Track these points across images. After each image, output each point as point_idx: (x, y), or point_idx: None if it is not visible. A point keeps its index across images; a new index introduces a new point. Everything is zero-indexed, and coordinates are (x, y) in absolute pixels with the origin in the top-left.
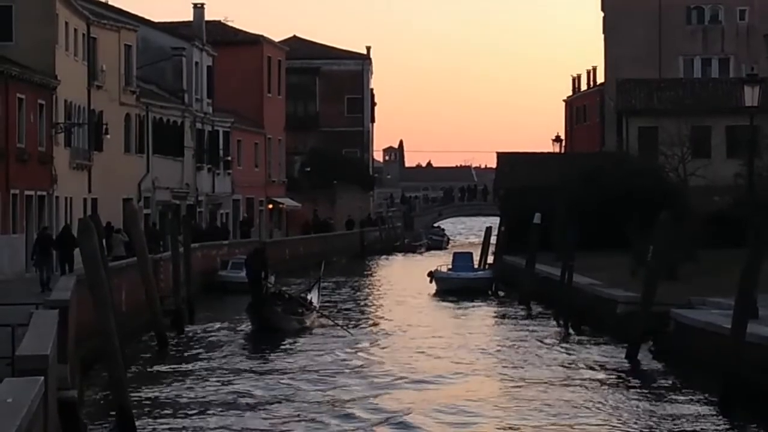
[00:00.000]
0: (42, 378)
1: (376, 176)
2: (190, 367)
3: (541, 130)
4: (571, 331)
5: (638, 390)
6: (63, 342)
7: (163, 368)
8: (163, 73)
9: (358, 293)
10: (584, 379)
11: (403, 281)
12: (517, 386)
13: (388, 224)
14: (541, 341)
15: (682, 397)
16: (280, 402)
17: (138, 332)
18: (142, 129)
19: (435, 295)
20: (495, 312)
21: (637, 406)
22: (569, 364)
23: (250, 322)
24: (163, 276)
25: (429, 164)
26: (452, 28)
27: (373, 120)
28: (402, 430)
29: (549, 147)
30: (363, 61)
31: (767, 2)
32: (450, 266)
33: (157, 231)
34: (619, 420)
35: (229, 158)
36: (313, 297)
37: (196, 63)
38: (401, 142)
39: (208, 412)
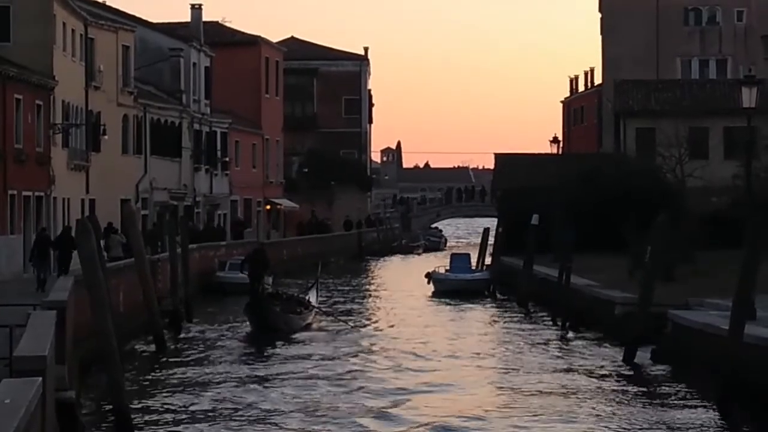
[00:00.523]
0: (40, 379)
1: (374, 177)
2: (187, 367)
3: (538, 131)
4: (568, 332)
5: (636, 391)
6: (61, 343)
7: (161, 369)
8: (160, 74)
9: (356, 294)
10: (582, 381)
11: (400, 282)
12: (515, 387)
13: (386, 225)
14: (539, 342)
15: (679, 398)
16: (277, 402)
17: (135, 333)
18: (139, 130)
19: (433, 296)
20: (492, 313)
21: (635, 408)
22: (567, 365)
23: (248, 321)
24: (161, 277)
25: (427, 165)
26: (450, 29)
27: (370, 121)
28: (399, 430)
29: (546, 148)
30: (361, 62)
31: (765, 3)
32: (448, 267)
33: (155, 232)
34: (617, 421)
35: (227, 159)
36: (312, 297)
37: (194, 64)
38: (399, 143)
39: (206, 412)
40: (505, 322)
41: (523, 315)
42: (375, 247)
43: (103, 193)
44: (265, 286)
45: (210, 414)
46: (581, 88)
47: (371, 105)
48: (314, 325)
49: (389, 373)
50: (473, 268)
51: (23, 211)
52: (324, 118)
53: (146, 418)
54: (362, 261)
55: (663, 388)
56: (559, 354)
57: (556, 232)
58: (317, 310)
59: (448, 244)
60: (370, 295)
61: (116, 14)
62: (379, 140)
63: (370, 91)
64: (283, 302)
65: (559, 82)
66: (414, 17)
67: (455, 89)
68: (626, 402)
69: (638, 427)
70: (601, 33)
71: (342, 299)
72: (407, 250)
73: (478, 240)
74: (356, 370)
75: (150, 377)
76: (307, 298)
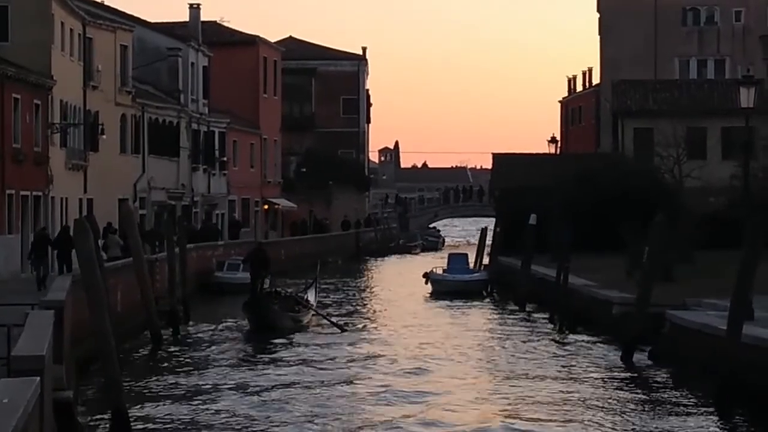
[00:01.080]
0: (38, 378)
1: (372, 177)
2: (185, 367)
3: (536, 131)
4: (566, 332)
5: (633, 391)
6: (59, 342)
7: (159, 368)
8: (158, 74)
9: (354, 294)
10: (579, 381)
11: (398, 282)
12: (512, 387)
13: (383, 225)
14: (537, 342)
15: (677, 399)
16: (274, 402)
17: (133, 333)
18: (137, 129)
19: (430, 296)
20: (490, 313)
21: (633, 408)
22: (564, 365)
23: (247, 320)
24: (159, 277)
25: (425, 165)
26: (448, 29)
27: (368, 121)
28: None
29: (544, 148)
30: (359, 61)
31: (763, 4)
32: (445, 268)
33: (153, 231)
34: (614, 421)
35: (225, 159)
36: (310, 296)
37: (192, 63)
38: (397, 143)
39: (203, 412)
40: (502, 322)
41: (520, 315)
42: (373, 247)
43: (100, 193)
44: (263, 286)
45: (208, 414)
46: (579, 88)
47: (369, 105)
48: (312, 324)
49: (386, 373)
50: (471, 268)
51: (21, 211)
52: (322, 117)
53: (144, 417)
54: (360, 261)
55: (660, 388)
56: (557, 354)
57: (554, 232)
58: (314, 311)
59: (445, 244)
60: (367, 296)
61: (114, 14)
62: (376, 140)
63: (368, 90)
64: (282, 301)
65: (557, 82)
66: (412, 17)
67: (453, 89)
68: (623, 402)
69: (635, 428)
70: (599, 33)
71: (339, 300)
72: (405, 250)
73: (476, 240)
74: (353, 372)
75: (147, 377)
76: (305, 297)
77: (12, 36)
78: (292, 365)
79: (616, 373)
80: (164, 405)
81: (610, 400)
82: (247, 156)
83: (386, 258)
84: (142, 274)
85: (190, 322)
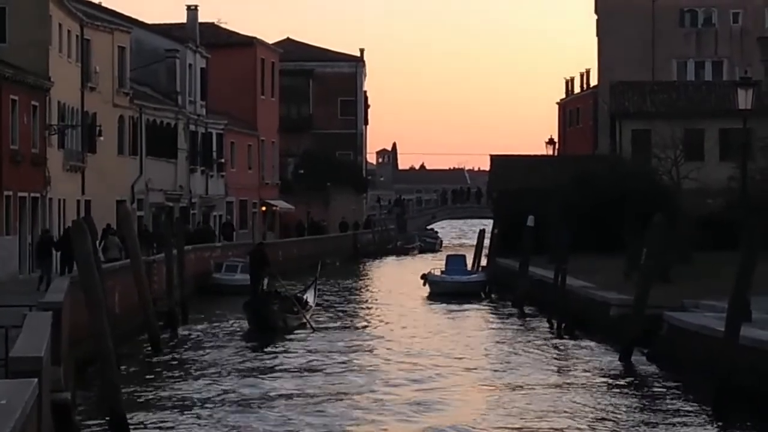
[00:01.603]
0: (36, 380)
1: (370, 179)
2: (182, 368)
3: (534, 132)
4: (564, 333)
5: (631, 393)
6: (57, 344)
7: (156, 370)
8: (156, 75)
9: (352, 296)
10: (577, 382)
11: (396, 284)
12: (510, 389)
13: (380, 227)
14: (535, 344)
15: (675, 400)
16: (272, 402)
17: (131, 334)
18: (135, 131)
19: (428, 297)
20: (488, 315)
21: (630, 409)
22: (562, 367)
23: (246, 320)
24: (157, 278)
25: (422, 167)
26: (445, 30)
27: (366, 122)
28: None
29: (542, 150)
30: (356, 63)
31: (761, 5)
32: (443, 269)
33: (150, 233)
34: (612, 423)
35: (223, 160)
36: (309, 297)
37: (190, 65)
38: (394, 145)
39: (201, 413)
40: (500, 324)
41: (518, 317)
42: (370, 249)
43: (98, 194)
44: (263, 286)
45: (206, 414)
46: (577, 89)
47: (367, 106)
48: (310, 324)
49: (383, 374)
50: (469, 269)
51: (19, 213)
52: (319, 119)
53: (142, 419)
54: (358, 262)
55: (658, 390)
56: (555, 356)
57: (552, 233)
58: (310, 313)
59: (443, 246)
60: (365, 297)
61: (112, 15)
62: (374, 142)
63: (365, 92)
64: (282, 301)
65: (554, 84)
66: (410, 19)
67: (451, 90)
68: (621, 404)
69: (632, 428)
70: (597, 35)
71: (337, 301)
72: (402, 252)
73: (474, 241)
74: (350, 373)
75: (146, 378)
76: (305, 297)
77: (10, 37)
78: (290, 366)
79: (613, 375)
80: (162, 406)
81: (607, 402)
82: (244, 157)
83: (384, 259)
84: (140, 276)
85: (189, 322)
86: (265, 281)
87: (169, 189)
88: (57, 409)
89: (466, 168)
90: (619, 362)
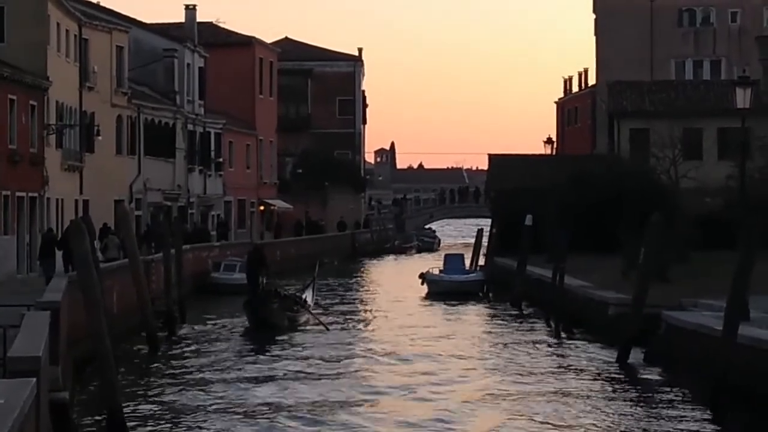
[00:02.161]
0: (34, 379)
1: (368, 178)
2: (181, 368)
3: (532, 132)
4: (562, 333)
5: (629, 392)
6: (55, 343)
7: (155, 369)
8: (154, 75)
9: (350, 295)
10: (575, 382)
11: (394, 283)
12: (508, 389)
13: (379, 226)
14: (533, 343)
15: (672, 399)
16: (270, 402)
17: (129, 334)
18: (133, 130)
19: (426, 297)
20: (486, 314)
21: (628, 409)
22: (560, 366)
23: (246, 318)
24: (155, 277)
25: (421, 166)
26: (444, 29)
27: (364, 122)
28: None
29: (540, 149)
30: (355, 62)
31: (759, 4)
32: (441, 268)
33: (149, 232)
34: (610, 422)
35: (221, 160)
36: (308, 296)
37: (188, 64)
38: (393, 144)
39: (199, 413)
40: (498, 323)
41: (516, 316)
42: (369, 248)
43: (96, 194)
44: (262, 284)
45: (204, 415)
46: (575, 88)
47: (365, 106)
48: (310, 324)
49: (383, 374)
50: (467, 269)
51: (17, 212)
52: (318, 118)
53: (140, 419)
54: (356, 262)
55: (656, 389)
56: (553, 355)
57: (550, 232)
58: (310, 312)
59: (441, 245)
60: (363, 297)
61: (110, 15)
62: (372, 141)
63: (364, 91)
64: (281, 300)
65: (553, 83)
66: (408, 18)
67: (449, 90)
68: (619, 403)
69: (630, 428)
70: (595, 34)
71: (336, 300)
72: (400, 251)
73: (472, 241)
74: (350, 372)
75: (144, 378)
76: (303, 296)
77: (8, 37)
78: (289, 366)
79: (611, 374)
80: (160, 406)
81: (605, 401)
82: (243, 157)
83: (382, 259)
84: (138, 275)
85: (187, 322)
86: (263, 280)
87: (167, 188)
88: (55, 408)
89: (465, 167)
90: (616, 362)
